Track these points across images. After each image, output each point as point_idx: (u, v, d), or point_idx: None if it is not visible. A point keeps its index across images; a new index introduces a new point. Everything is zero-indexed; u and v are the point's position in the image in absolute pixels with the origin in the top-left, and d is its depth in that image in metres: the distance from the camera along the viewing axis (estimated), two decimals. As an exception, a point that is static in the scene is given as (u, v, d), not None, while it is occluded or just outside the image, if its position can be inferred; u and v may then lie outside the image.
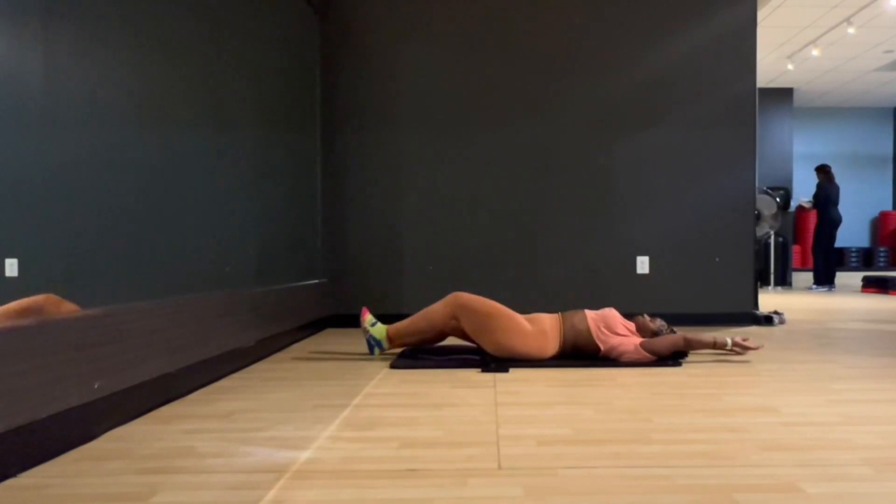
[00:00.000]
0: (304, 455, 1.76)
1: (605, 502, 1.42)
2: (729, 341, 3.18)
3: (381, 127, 4.82)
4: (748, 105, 4.81)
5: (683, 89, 4.81)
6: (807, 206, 9.60)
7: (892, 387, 2.60)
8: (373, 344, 3.26)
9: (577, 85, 4.82)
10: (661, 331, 3.21)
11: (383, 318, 4.70)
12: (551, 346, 3.13)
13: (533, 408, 2.28)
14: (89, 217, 2.03)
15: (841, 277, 9.68)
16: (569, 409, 2.26)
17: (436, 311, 3.20)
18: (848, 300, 7.20)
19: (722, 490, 1.48)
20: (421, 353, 3.29)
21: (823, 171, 9.17)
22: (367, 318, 3.30)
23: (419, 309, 3.35)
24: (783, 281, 9.48)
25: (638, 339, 3.14)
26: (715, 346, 3.18)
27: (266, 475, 1.60)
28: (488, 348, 3.13)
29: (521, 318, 3.14)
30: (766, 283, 9.28)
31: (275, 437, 1.94)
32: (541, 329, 3.12)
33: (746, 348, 3.19)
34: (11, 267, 1.73)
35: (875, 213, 13.54)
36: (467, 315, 3.13)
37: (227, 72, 3.15)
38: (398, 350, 3.42)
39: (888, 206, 13.55)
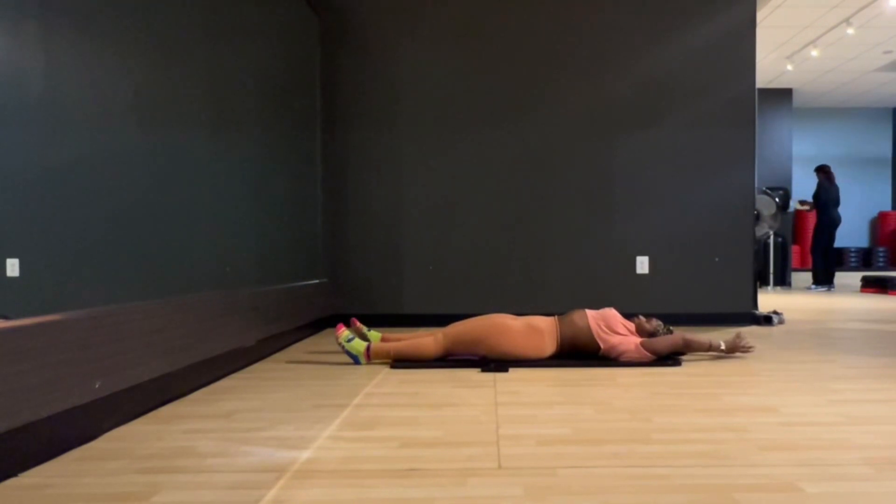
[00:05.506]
0: (304, 455, 1.76)
1: (605, 502, 1.42)
2: (723, 344, 3.29)
3: (381, 126, 4.83)
4: (748, 105, 4.81)
5: (683, 89, 4.81)
6: (805, 208, 9.59)
7: (891, 387, 2.60)
8: (354, 355, 3.20)
9: (577, 85, 4.82)
10: (658, 331, 3.24)
11: (383, 319, 4.77)
12: (549, 345, 3.14)
13: (533, 408, 2.28)
14: (90, 217, 2.03)
15: (840, 277, 9.68)
16: (568, 408, 2.27)
17: (427, 346, 3.15)
18: (847, 300, 7.20)
19: (722, 490, 1.48)
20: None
21: (823, 171, 9.18)
22: (343, 333, 3.21)
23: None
24: (782, 281, 9.48)
25: (638, 339, 3.15)
26: (710, 348, 3.27)
27: (266, 475, 1.60)
28: (486, 354, 3.14)
29: (511, 323, 3.13)
30: (765, 283, 9.28)
31: (275, 437, 1.94)
32: (536, 328, 3.13)
33: (737, 349, 3.29)
34: (12, 267, 1.73)
35: (874, 213, 13.54)
36: (459, 346, 3.15)
37: (228, 72, 3.15)
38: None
39: (887, 207, 13.55)
